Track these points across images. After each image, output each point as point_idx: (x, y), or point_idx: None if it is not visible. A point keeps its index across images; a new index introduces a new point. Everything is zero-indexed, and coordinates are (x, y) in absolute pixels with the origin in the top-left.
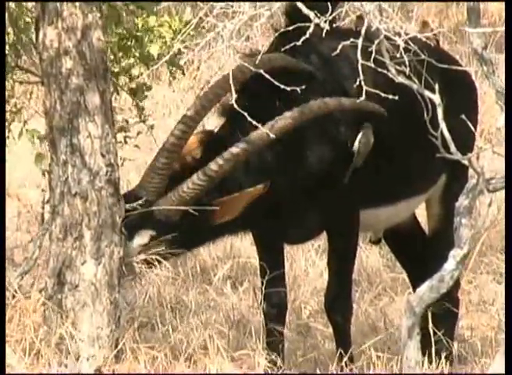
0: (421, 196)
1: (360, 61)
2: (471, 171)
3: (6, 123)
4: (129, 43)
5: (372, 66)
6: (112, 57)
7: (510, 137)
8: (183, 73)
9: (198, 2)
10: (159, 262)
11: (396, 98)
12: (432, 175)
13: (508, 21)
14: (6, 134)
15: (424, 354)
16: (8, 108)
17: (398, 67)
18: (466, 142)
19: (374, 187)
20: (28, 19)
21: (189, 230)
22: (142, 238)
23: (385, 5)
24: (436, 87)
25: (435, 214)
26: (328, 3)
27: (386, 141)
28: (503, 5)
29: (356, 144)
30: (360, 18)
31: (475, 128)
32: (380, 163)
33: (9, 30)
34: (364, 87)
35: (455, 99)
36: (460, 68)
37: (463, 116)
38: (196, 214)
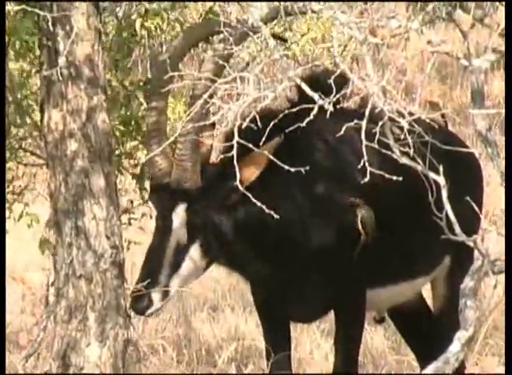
0: (426, 277)
1: (364, 142)
2: (476, 252)
3: (7, 204)
4: (131, 128)
5: (376, 146)
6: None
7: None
8: None
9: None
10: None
11: (401, 179)
12: (437, 256)
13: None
14: (7, 215)
15: None
16: (10, 188)
17: (402, 148)
18: (471, 224)
19: (379, 267)
20: (32, 102)
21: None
22: (179, 214)
23: (388, 86)
24: (441, 168)
25: (440, 295)
26: (333, 84)
27: (392, 221)
28: None
29: (358, 221)
30: (363, 99)
31: (480, 210)
32: (385, 243)
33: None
34: (369, 169)
35: (460, 181)
36: (466, 150)
37: (467, 198)
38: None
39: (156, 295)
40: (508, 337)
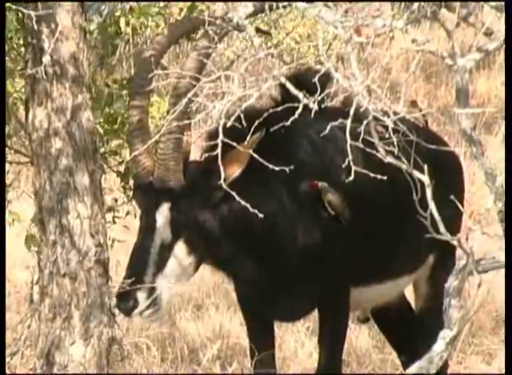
0: (410, 276)
1: (349, 141)
2: (459, 252)
3: None
4: (115, 126)
5: (361, 146)
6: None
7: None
8: None
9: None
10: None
11: (385, 178)
12: (421, 255)
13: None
14: None
15: None
16: None
17: (387, 147)
18: (453, 222)
19: (363, 266)
20: (16, 101)
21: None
22: (163, 213)
23: (373, 85)
24: (425, 167)
25: (422, 294)
26: (317, 83)
27: (376, 220)
28: (491, 85)
29: (326, 204)
30: (348, 98)
31: (462, 208)
32: (369, 242)
33: None
34: (353, 167)
35: (442, 180)
36: (447, 148)
37: (451, 197)
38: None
39: (141, 295)
40: (508, 336)
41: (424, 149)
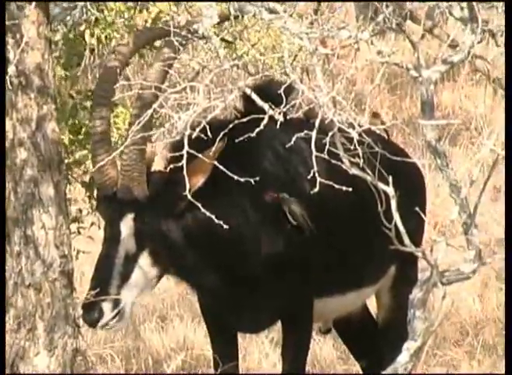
0: (373, 286)
1: (314, 153)
2: (424, 263)
3: None
4: (80, 136)
5: (326, 157)
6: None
7: None
8: None
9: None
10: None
11: (349, 189)
12: (383, 266)
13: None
14: None
15: None
16: None
17: (352, 159)
18: (416, 234)
19: (326, 277)
20: None
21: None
22: (127, 224)
23: (338, 96)
24: (390, 179)
25: (385, 305)
26: (283, 94)
27: (340, 231)
28: (456, 97)
29: (287, 214)
30: (313, 109)
31: (424, 220)
32: (332, 253)
33: None
34: (318, 179)
35: (404, 191)
36: (409, 160)
37: (415, 208)
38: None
39: (106, 305)
40: (508, 339)
41: (387, 161)
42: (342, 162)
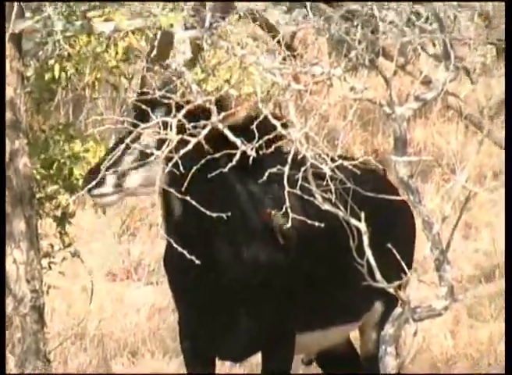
0: (355, 322)
1: (287, 188)
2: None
3: None
4: (51, 171)
5: (299, 192)
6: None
7: None
8: (104, 212)
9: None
10: None
11: (324, 224)
12: (366, 302)
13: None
14: None
15: None
16: None
17: (324, 194)
18: (400, 270)
19: (307, 312)
20: None
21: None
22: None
23: (311, 132)
24: (362, 215)
25: (368, 340)
26: (255, 130)
27: (319, 267)
28: (428, 133)
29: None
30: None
31: (412, 257)
32: (312, 289)
33: None
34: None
35: (386, 228)
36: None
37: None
38: None
39: (110, 179)
40: (508, 341)
41: (370, 197)
42: (315, 197)
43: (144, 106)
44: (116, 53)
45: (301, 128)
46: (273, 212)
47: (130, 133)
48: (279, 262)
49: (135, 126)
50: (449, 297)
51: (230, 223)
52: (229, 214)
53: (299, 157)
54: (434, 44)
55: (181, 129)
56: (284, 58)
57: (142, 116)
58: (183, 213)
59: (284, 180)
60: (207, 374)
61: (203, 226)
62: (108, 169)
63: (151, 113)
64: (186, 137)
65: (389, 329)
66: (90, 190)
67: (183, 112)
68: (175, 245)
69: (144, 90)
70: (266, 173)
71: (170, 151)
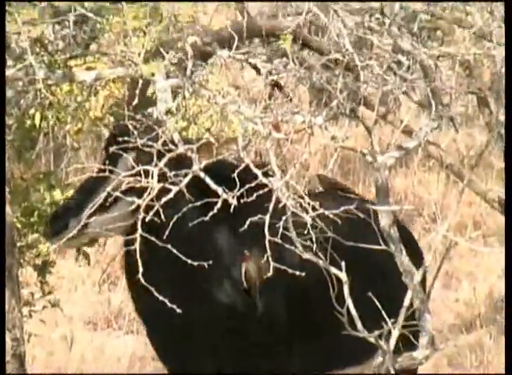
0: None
1: (268, 237)
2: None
3: None
4: (32, 219)
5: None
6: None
7: None
8: (89, 263)
9: None
10: None
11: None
12: (362, 353)
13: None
14: None
15: None
16: None
17: (305, 243)
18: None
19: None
20: None
21: None
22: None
23: (292, 181)
24: (343, 264)
25: None
26: (237, 179)
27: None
28: (408, 182)
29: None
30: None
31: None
32: (304, 343)
33: None
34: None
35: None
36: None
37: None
38: None
39: (73, 223)
40: (508, 341)
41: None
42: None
43: (115, 150)
44: (103, 105)
45: (282, 177)
46: (249, 254)
47: (101, 178)
48: (243, 308)
49: (111, 172)
50: (430, 346)
51: (202, 270)
52: (210, 262)
53: (279, 206)
54: (415, 92)
55: (163, 177)
56: (265, 107)
57: (114, 161)
58: (151, 260)
59: (265, 228)
60: None
61: (172, 272)
62: (70, 213)
63: (131, 161)
64: (167, 186)
65: None
66: (51, 234)
67: (165, 160)
68: (155, 293)
69: (125, 138)
70: (247, 222)
71: (151, 200)
